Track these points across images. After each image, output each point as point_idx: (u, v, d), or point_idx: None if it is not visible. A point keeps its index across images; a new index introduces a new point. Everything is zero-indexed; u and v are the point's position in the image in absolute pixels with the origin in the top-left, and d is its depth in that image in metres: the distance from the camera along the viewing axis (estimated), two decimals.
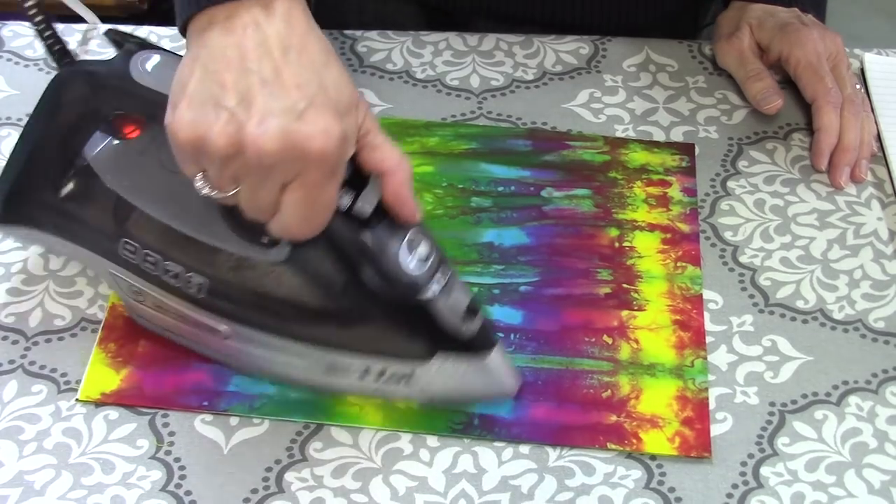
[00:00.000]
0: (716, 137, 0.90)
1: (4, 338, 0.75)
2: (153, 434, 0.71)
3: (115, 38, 0.70)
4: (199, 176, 0.63)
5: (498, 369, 0.71)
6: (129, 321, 0.75)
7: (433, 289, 0.67)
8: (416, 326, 0.68)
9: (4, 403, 0.72)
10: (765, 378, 0.75)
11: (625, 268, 0.80)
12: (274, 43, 0.61)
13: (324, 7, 0.66)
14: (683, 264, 0.81)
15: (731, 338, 0.77)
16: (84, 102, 0.70)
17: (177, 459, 0.70)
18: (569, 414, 0.72)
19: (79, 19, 0.96)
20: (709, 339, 0.76)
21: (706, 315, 0.78)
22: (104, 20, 0.96)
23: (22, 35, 0.96)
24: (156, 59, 0.67)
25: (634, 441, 0.71)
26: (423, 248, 0.68)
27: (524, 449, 0.71)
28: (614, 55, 0.96)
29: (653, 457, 0.70)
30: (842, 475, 0.70)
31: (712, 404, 0.73)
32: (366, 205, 0.66)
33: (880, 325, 0.78)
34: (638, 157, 0.88)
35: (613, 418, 0.72)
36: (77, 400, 0.72)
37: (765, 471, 0.70)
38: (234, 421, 0.71)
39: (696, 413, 0.72)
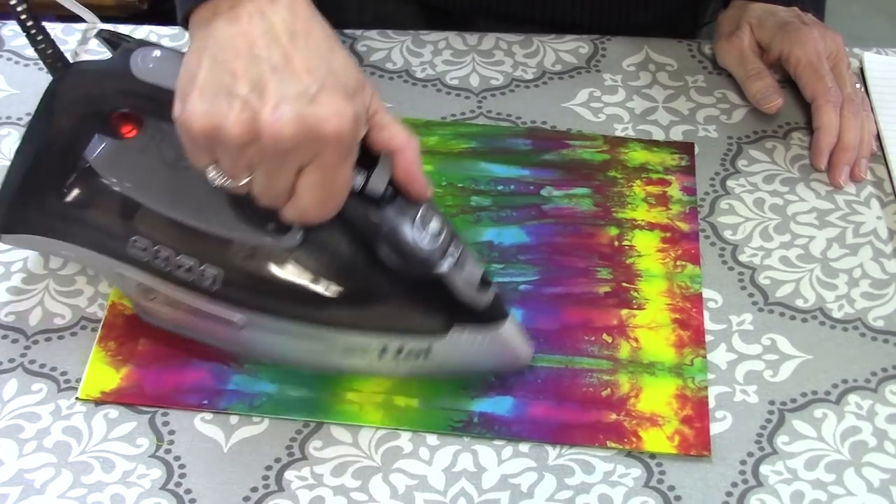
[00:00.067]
0: (715, 136, 0.90)
1: (4, 336, 0.75)
2: (153, 433, 0.71)
3: (108, 38, 0.70)
4: (212, 166, 0.64)
5: (513, 338, 0.72)
6: (129, 320, 0.75)
7: (447, 262, 0.68)
8: (431, 301, 0.69)
9: (4, 402, 0.72)
10: (764, 377, 0.75)
11: (624, 266, 0.80)
12: (280, 30, 0.62)
13: (324, 6, 0.66)
14: (683, 263, 0.81)
15: (730, 336, 0.77)
16: (85, 104, 0.70)
17: (177, 458, 0.70)
18: (568, 412, 0.72)
19: (79, 19, 0.96)
20: (708, 337, 0.76)
21: (706, 314, 0.78)
22: (104, 20, 0.96)
23: (22, 34, 0.95)
24: (156, 54, 0.67)
25: (634, 439, 0.71)
26: (434, 224, 0.68)
27: (524, 447, 0.71)
28: (614, 54, 0.96)
29: (652, 455, 0.71)
30: (841, 474, 0.70)
31: (712, 403, 0.73)
32: (378, 183, 0.66)
33: (879, 324, 0.78)
34: (637, 156, 0.88)
35: (613, 417, 0.72)
36: (77, 398, 0.72)
37: (764, 469, 0.70)
38: (233, 419, 0.71)
39: (696, 412, 0.72)
